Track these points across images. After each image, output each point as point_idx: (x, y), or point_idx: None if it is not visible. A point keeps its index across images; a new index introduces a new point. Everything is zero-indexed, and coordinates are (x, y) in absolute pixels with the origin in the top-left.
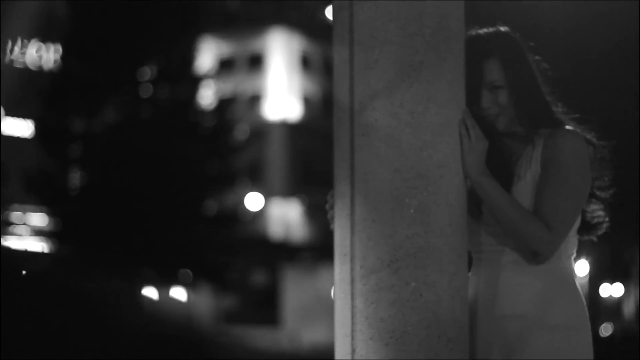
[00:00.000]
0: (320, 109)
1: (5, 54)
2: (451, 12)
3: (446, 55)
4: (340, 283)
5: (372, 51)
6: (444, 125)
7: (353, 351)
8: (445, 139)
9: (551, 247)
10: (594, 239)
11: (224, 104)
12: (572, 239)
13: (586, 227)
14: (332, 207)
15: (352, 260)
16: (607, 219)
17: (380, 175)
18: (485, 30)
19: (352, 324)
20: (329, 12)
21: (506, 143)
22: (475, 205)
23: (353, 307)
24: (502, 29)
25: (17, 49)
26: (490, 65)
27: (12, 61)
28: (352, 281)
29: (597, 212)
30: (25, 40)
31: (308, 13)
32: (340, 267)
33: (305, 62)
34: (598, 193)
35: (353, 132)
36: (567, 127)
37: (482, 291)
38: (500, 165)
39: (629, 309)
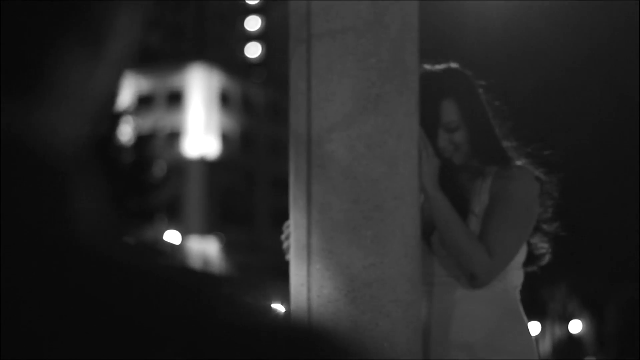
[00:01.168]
0: (239, 146)
1: None
2: (406, 46)
3: (402, 89)
4: (297, 313)
5: (330, 84)
6: (400, 157)
7: None
8: (401, 170)
9: (489, 272)
10: (537, 269)
11: (143, 140)
12: (518, 271)
13: (530, 258)
14: (287, 238)
15: (309, 291)
16: (549, 250)
17: (337, 206)
18: (437, 67)
19: None
20: (248, 49)
21: (461, 177)
22: (425, 237)
23: None
24: (453, 65)
25: None
26: (446, 106)
27: None
28: (309, 311)
29: (541, 243)
30: None
31: (227, 50)
32: (297, 297)
33: (224, 99)
34: (544, 226)
35: (310, 164)
36: (518, 163)
37: (435, 321)
38: (456, 199)
39: (544, 348)
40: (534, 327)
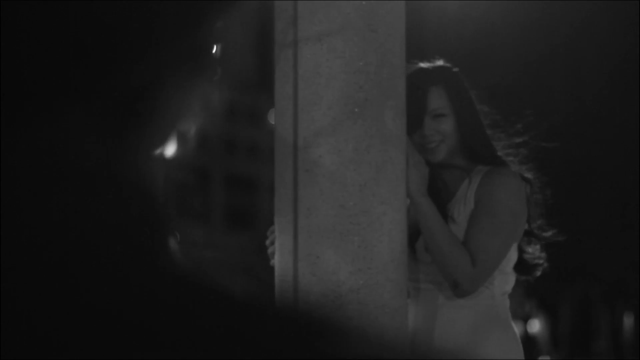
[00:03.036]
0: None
1: None
2: (394, 49)
3: (389, 93)
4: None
5: (317, 87)
6: (387, 162)
7: None
8: (388, 175)
9: (473, 281)
10: (531, 279)
11: None
12: (507, 277)
13: (525, 267)
14: (272, 243)
15: (295, 296)
16: (545, 261)
17: (323, 211)
18: (427, 63)
19: None
20: None
21: (444, 176)
22: (410, 243)
23: None
24: (443, 62)
25: None
26: (434, 92)
27: None
28: None
29: (536, 253)
30: None
31: None
32: (282, 303)
33: None
34: (537, 232)
35: (297, 168)
36: (506, 166)
37: (419, 327)
38: (440, 201)
39: None
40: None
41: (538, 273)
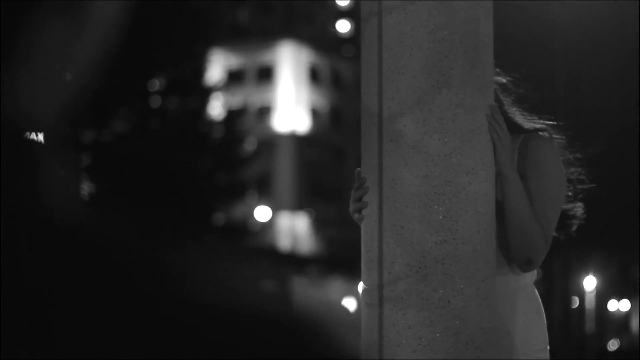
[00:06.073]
0: (329, 121)
1: None
2: (480, 17)
3: (475, 62)
4: (368, 289)
5: (401, 56)
6: (473, 131)
7: (381, 358)
8: (474, 145)
9: (543, 255)
10: (562, 237)
11: (233, 116)
12: None
13: (560, 224)
14: (356, 200)
15: (380, 266)
16: (582, 216)
17: (408, 181)
18: None
19: (380, 330)
20: (339, 25)
21: None
22: None
23: (381, 313)
24: None
25: None
26: None
27: None
28: (380, 287)
29: (576, 209)
30: None
31: (317, 26)
32: (368, 273)
33: (314, 75)
34: (571, 188)
35: (381, 138)
36: (539, 133)
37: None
38: None
39: (636, 325)
40: (625, 305)
41: (571, 229)
